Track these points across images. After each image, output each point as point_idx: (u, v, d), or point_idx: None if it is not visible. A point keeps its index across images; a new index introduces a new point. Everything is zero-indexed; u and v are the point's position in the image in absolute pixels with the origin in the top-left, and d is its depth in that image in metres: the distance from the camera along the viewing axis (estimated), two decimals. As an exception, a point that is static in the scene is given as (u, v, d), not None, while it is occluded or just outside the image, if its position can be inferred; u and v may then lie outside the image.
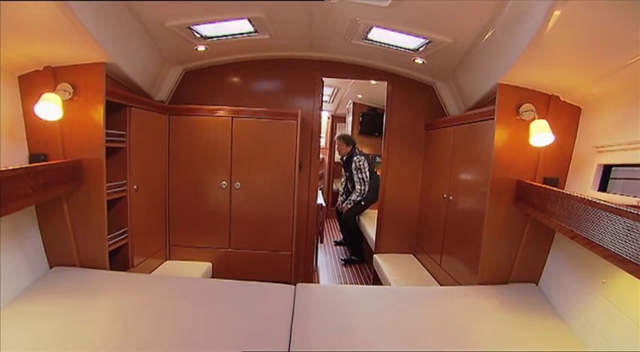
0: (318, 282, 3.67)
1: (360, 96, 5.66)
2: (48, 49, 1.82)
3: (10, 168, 1.53)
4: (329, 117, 6.84)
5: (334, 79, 3.64)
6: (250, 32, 2.52)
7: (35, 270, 1.94)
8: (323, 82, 3.25)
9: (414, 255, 3.37)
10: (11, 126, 1.87)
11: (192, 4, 2.02)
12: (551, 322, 1.78)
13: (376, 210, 3.44)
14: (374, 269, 3.44)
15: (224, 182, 3.01)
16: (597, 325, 1.58)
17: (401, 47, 2.58)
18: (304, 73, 3.18)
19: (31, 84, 1.92)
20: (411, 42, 2.47)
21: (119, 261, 2.41)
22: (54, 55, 1.89)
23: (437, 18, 2.06)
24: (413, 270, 3.06)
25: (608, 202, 1.29)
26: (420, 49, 2.50)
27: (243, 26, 2.43)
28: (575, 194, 1.51)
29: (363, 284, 3.74)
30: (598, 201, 1.33)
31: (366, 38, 2.52)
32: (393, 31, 2.29)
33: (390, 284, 2.78)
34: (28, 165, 1.71)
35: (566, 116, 2.01)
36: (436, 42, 2.28)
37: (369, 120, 5.77)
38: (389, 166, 3.32)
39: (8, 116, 1.83)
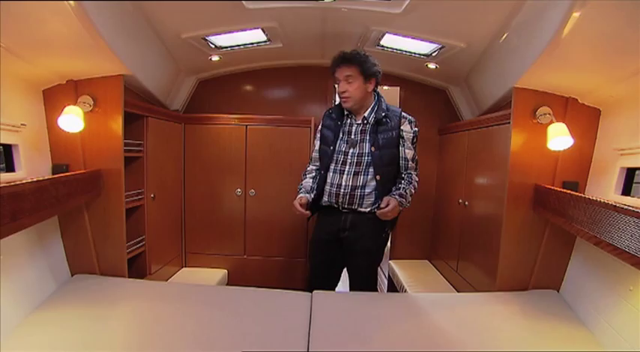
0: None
1: (371, 101, 5.65)
2: (71, 63, 1.88)
3: (39, 179, 1.58)
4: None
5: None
6: (263, 41, 2.56)
7: (58, 278, 1.98)
8: (335, 88, 3.26)
9: (429, 261, 3.32)
10: (36, 139, 1.93)
11: (208, 15, 2.07)
12: (574, 329, 1.73)
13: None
14: (389, 276, 3.41)
15: (239, 189, 3.03)
16: (625, 333, 1.52)
17: (413, 53, 2.58)
18: (317, 80, 3.19)
19: (55, 97, 1.98)
20: (423, 47, 2.47)
21: (137, 268, 2.45)
22: (76, 69, 1.95)
23: (450, 23, 2.06)
24: (429, 276, 3.02)
25: (634, 207, 1.26)
26: (433, 54, 2.49)
27: (256, 36, 2.47)
28: (598, 198, 1.47)
29: (377, 290, 3.70)
30: (624, 207, 1.30)
31: (378, 44, 2.52)
32: (405, 37, 2.30)
33: (405, 291, 2.75)
34: (53, 176, 1.76)
35: (585, 118, 1.96)
36: (449, 47, 2.28)
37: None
38: None
39: (33, 129, 1.90)
